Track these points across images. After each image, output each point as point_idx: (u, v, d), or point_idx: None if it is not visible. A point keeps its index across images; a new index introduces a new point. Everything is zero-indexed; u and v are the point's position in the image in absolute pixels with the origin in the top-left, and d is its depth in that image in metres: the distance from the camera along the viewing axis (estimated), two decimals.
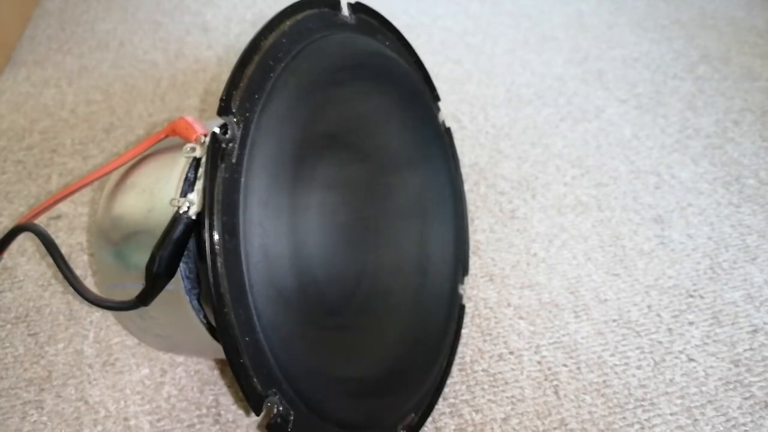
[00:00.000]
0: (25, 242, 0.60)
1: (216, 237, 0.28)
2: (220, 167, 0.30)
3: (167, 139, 0.37)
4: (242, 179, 0.30)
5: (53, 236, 0.38)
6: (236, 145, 0.31)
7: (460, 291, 0.51)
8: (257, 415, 0.30)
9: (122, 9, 1.00)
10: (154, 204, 0.34)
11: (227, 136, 0.31)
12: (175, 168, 0.33)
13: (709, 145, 0.73)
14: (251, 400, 0.30)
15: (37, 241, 0.58)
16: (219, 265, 0.29)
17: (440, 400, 0.47)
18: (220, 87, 0.82)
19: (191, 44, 0.91)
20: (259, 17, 0.98)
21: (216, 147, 0.30)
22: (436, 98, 0.51)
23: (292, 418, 0.32)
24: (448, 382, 0.49)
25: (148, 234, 0.34)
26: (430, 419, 0.46)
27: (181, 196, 0.31)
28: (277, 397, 0.31)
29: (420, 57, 0.49)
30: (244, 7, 1.00)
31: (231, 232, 0.29)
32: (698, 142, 0.74)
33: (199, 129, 0.34)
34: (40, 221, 0.52)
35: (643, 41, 0.94)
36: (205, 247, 0.28)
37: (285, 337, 0.32)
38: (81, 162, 0.69)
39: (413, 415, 0.43)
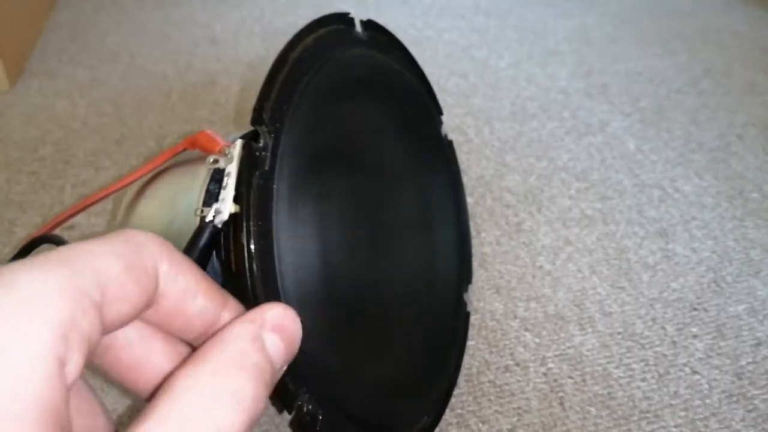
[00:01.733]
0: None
1: (252, 242, 0.29)
2: (254, 174, 0.31)
3: (185, 152, 0.38)
4: (274, 186, 0.32)
5: None
6: (268, 154, 0.32)
7: (465, 299, 0.52)
8: (289, 413, 0.31)
9: (132, 21, 1.01)
10: (175, 215, 0.34)
11: (260, 144, 0.32)
12: (196, 180, 0.34)
13: (712, 159, 0.74)
14: (283, 399, 0.30)
15: None
16: (255, 268, 0.29)
17: (447, 410, 0.48)
18: (229, 99, 0.83)
19: (200, 56, 0.92)
20: (267, 30, 0.99)
21: (251, 155, 0.31)
22: (439, 112, 0.53)
23: (320, 417, 0.32)
24: (455, 392, 0.49)
25: None
26: (437, 430, 0.47)
27: (204, 206, 0.32)
28: (306, 396, 0.32)
29: (424, 71, 0.51)
30: (253, 20, 1.01)
31: (265, 236, 0.30)
32: (702, 156, 0.75)
33: (222, 141, 0.35)
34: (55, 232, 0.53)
35: (647, 55, 0.95)
36: (242, 252, 0.29)
37: (314, 337, 0.33)
38: (93, 173, 0.70)
39: (426, 417, 0.44)
